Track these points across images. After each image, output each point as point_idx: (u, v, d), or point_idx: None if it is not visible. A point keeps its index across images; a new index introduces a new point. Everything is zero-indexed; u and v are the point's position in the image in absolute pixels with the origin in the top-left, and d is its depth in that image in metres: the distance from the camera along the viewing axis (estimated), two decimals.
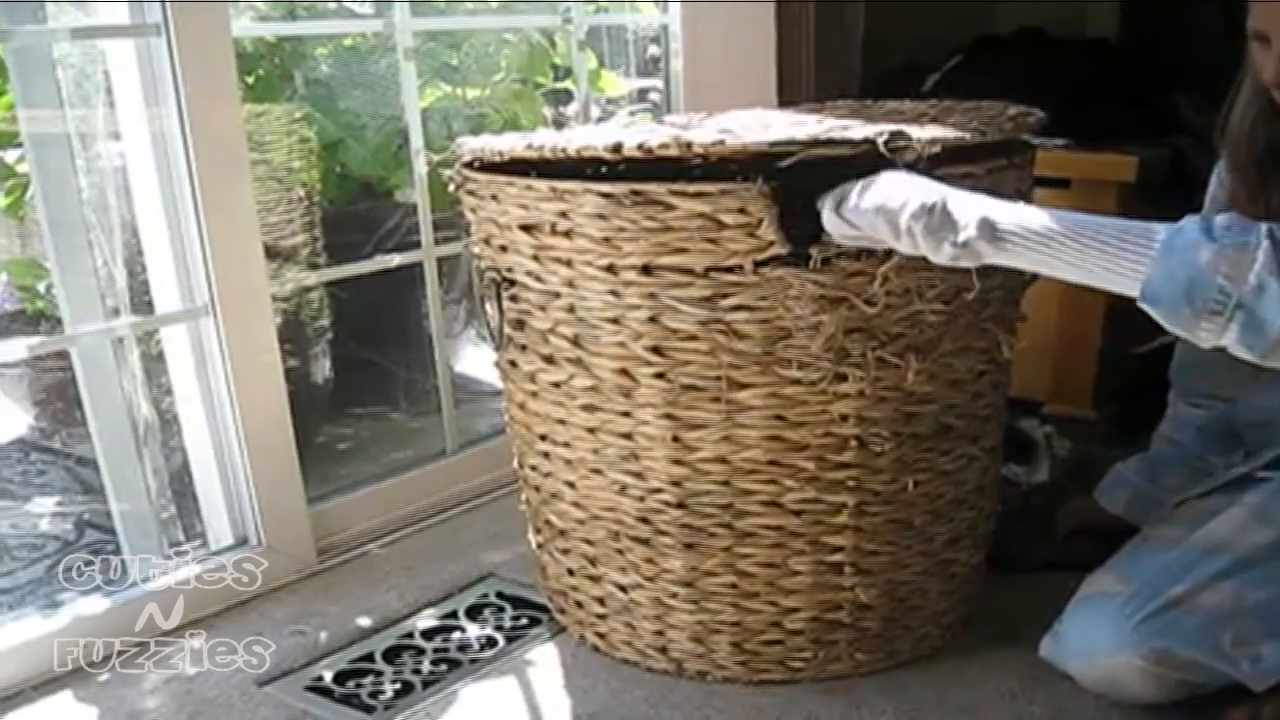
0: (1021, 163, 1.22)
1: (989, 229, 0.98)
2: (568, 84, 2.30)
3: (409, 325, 2.03)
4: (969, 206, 0.99)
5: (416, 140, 1.72)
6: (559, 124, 2.36)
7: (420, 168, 1.72)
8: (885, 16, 2.09)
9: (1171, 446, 1.43)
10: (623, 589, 1.29)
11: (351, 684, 1.31)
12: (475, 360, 2.28)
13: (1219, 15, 1.24)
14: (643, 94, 2.57)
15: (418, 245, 1.75)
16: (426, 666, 1.35)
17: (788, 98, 1.88)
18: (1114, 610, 1.18)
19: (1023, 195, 1.23)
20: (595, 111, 2.24)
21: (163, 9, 1.33)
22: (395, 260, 1.75)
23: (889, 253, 1.06)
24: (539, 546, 1.41)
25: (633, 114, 2.49)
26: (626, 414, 1.19)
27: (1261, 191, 1.23)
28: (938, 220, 0.99)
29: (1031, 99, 1.30)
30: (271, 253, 1.79)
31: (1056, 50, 2.07)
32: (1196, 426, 1.40)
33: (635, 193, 1.09)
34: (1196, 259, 0.93)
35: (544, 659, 1.35)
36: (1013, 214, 0.98)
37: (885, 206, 1.01)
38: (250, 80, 2.02)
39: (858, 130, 1.06)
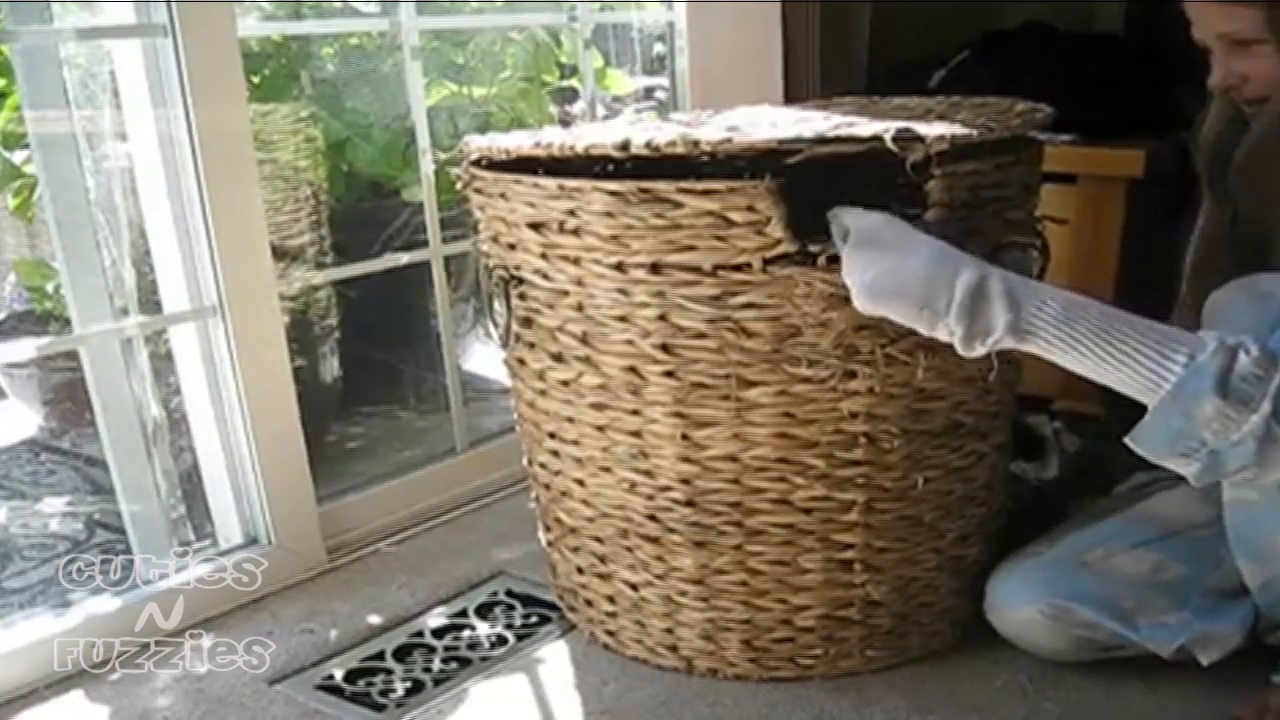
0: (1028, 159, 1.22)
1: (1016, 330, 0.97)
2: (574, 82, 2.30)
3: (417, 324, 2.03)
4: (998, 304, 0.96)
5: (423, 139, 1.72)
6: (565, 122, 2.36)
7: (427, 166, 1.72)
8: (891, 12, 2.09)
9: None
10: (633, 587, 1.29)
11: (362, 682, 1.31)
12: (484, 358, 2.28)
13: None
14: (649, 92, 2.56)
15: (425, 244, 1.75)
16: (437, 665, 1.35)
17: (794, 94, 1.88)
18: (1029, 567, 1.26)
19: (1030, 191, 1.24)
20: (601, 109, 2.23)
21: (169, 9, 1.33)
22: (403, 259, 1.76)
23: None
24: (549, 544, 1.41)
25: (639, 111, 2.49)
26: (635, 412, 1.19)
27: (1226, 198, 1.24)
28: (975, 325, 0.97)
29: (1038, 94, 1.30)
30: (279, 252, 1.79)
31: (1063, 45, 2.06)
32: None
33: (643, 190, 1.09)
34: (1196, 413, 0.92)
35: (554, 657, 1.35)
36: (1040, 311, 0.96)
37: (915, 298, 0.98)
38: (256, 80, 2.03)
39: (865, 127, 1.05)
